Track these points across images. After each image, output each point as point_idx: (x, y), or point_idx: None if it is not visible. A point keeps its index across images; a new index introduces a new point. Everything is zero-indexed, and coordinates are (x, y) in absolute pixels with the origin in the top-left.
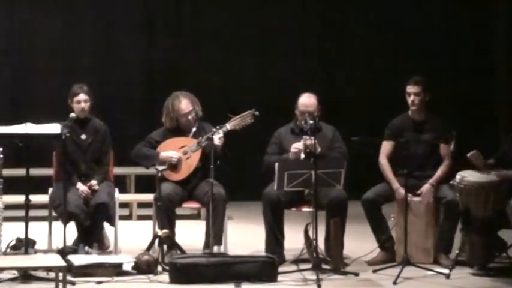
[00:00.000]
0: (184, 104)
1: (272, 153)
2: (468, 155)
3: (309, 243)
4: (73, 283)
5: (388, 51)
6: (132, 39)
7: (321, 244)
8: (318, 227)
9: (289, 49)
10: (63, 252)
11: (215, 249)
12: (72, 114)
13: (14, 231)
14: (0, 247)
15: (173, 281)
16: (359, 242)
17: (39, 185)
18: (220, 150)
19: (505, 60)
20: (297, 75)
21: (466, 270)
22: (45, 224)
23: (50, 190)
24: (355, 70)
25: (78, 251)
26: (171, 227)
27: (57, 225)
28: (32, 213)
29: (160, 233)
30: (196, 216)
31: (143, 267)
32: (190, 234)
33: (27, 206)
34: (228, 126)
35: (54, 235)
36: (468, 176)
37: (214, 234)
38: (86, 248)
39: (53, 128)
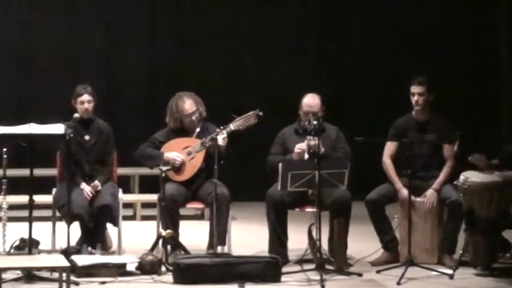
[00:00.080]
0: (188, 104)
1: (276, 154)
2: (469, 158)
3: (313, 243)
4: (77, 283)
5: (388, 51)
6: (136, 39)
7: (324, 244)
8: (322, 228)
9: (289, 49)
10: (67, 252)
11: (219, 249)
12: (76, 115)
13: (18, 231)
14: (4, 247)
15: (177, 281)
16: (363, 243)
17: (43, 185)
18: (224, 150)
19: (509, 60)
20: (297, 75)
21: (469, 270)
22: (49, 224)
23: (54, 190)
24: (355, 70)
25: (82, 251)
26: (175, 227)
27: (61, 225)
28: (36, 213)
29: (164, 233)
30: (200, 217)
31: (147, 268)
32: (194, 235)
33: (31, 206)
34: (232, 126)
35: (58, 235)
36: (472, 176)
37: (218, 234)
38: (89, 248)
39: (57, 129)
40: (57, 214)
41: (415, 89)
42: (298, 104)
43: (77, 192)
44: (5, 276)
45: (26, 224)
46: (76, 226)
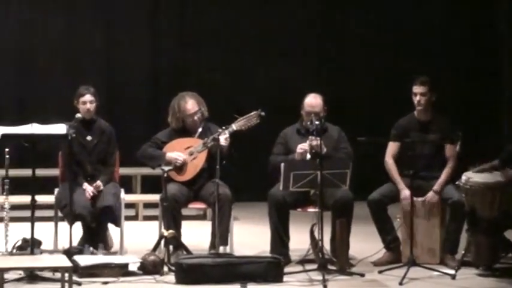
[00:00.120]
0: (190, 104)
1: (278, 154)
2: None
3: (315, 243)
4: (79, 283)
5: (388, 51)
6: (137, 39)
7: (326, 245)
8: (324, 228)
9: (289, 49)
10: (69, 252)
11: (221, 249)
12: (78, 115)
13: (20, 231)
14: (7, 247)
15: (179, 281)
16: (365, 243)
17: (45, 185)
18: (226, 150)
19: (509, 60)
20: (296, 75)
21: (471, 270)
22: (51, 224)
23: (56, 191)
24: (355, 70)
25: (84, 251)
26: (177, 228)
27: (63, 225)
28: (38, 213)
29: (166, 233)
30: (202, 217)
31: (149, 268)
32: (196, 235)
33: (33, 206)
34: (234, 126)
35: (60, 235)
36: (474, 176)
37: (220, 234)
38: (91, 249)
39: (59, 129)
40: (59, 214)
41: (417, 89)
42: (298, 104)
43: (79, 192)
44: (7, 276)
45: (28, 224)
46: (78, 226)
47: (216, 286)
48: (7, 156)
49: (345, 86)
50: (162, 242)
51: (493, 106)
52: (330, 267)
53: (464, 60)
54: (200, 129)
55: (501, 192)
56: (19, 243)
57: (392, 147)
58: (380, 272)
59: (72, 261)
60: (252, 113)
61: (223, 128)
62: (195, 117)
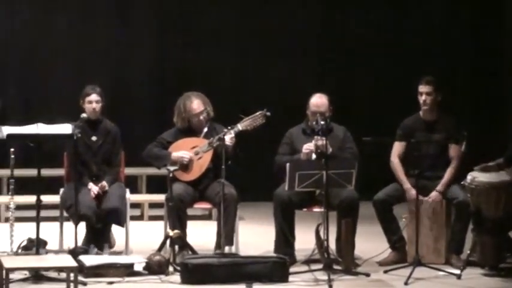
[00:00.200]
0: (196, 104)
1: (283, 154)
2: (475, 168)
3: (320, 243)
4: (84, 283)
5: (388, 51)
6: (143, 39)
7: (332, 244)
8: (329, 228)
9: (289, 49)
10: (74, 252)
11: (226, 249)
12: (84, 115)
13: (26, 231)
14: (12, 247)
15: (184, 281)
16: (370, 243)
17: (50, 185)
18: (232, 150)
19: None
20: (296, 75)
21: (477, 270)
22: (57, 224)
23: (61, 191)
24: (355, 70)
25: (89, 251)
26: (182, 228)
27: (69, 225)
28: (43, 213)
29: (171, 233)
30: (207, 217)
31: (154, 268)
32: (202, 235)
33: (39, 206)
34: (240, 126)
35: (66, 235)
36: (479, 176)
37: (226, 234)
38: (95, 249)
39: (65, 129)
40: (65, 214)
41: (422, 88)
42: (297, 104)
43: (84, 192)
44: (12, 276)
45: (34, 224)
46: (83, 226)
47: (222, 286)
48: (12, 156)
49: (344, 86)
50: (168, 242)
51: (494, 106)
52: (336, 267)
53: (464, 60)
54: (206, 129)
55: (506, 192)
56: (24, 243)
57: (397, 147)
58: (385, 271)
59: (78, 261)
60: (258, 113)
61: (229, 128)
62: (201, 117)
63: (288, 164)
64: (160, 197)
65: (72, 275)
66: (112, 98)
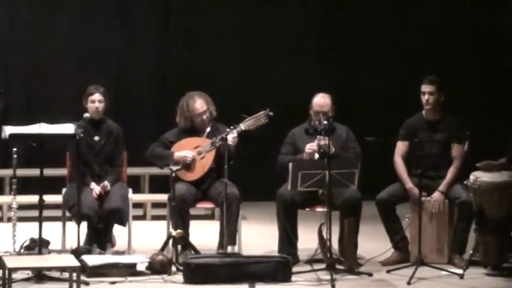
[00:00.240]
0: (199, 103)
1: (286, 153)
2: (478, 165)
3: (323, 243)
4: (87, 283)
5: (388, 51)
6: (145, 39)
7: (335, 244)
8: (332, 227)
9: (289, 49)
10: (77, 252)
11: (229, 249)
12: (86, 114)
13: (28, 231)
14: (14, 247)
15: (187, 281)
16: (373, 242)
17: (53, 185)
18: (234, 150)
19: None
20: (297, 75)
21: (480, 270)
22: (59, 224)
23: (64, 190)
24: (355, 70)
25: (92, 251)
26: (185, 227)
27: (71, 225)
28: (46, 213)
29: (174, 233)
30: (210, 217)
31: (157, 268)
32: (204, 235)
33: (41, 206)
34: (242, 126)
35: (68, 235)
36: (482, 176)
37: (228, 234)
38: (98, 250)
39: (67, 128)
40: (67, 214)
41: (425, 88)
42: (297, 104)
43: (86, 192)
44: (15, 276)
45: (36, 224)
46: (85, 226)
47: (224, 286)
48: (15, 156)
49: (344, 86)
50: (170, 241)
51: (494, 106)
52: (338, 266)
53: (464, 60)
54: (208, 129)
55: (509, 192)
56: (27, 243)
57: (401, 147)
58: (388, 271)
59: (80, 261)
60: (260, 113)
61: (232, 127)
62: (204, 117)
63: (290, 164)
64: (163, 197)
65: (74, 274)
66: (113, 98)
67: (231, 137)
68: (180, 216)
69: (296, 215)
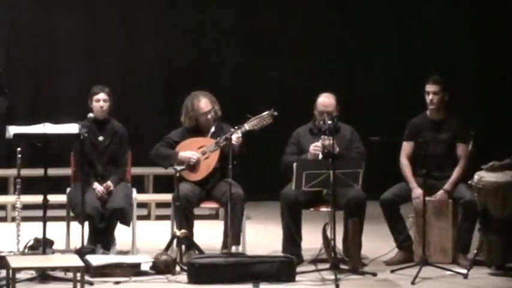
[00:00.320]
0: (204, 103)
1: (290, 153)
2: (483, 167)
3: (327, 243)
4: (91, 283)
5: (388, 51)
6: (149, 39)
7: (339, 244)
8: (336, 227)
9: (289, 49)
10: (81, 252)
11: (233, 249)
12: (91, 114)
13: (32, 231)
14: (18, 247)
15: (191, 281)
16: (377, 242)
17: (57, 185)
18: (238, 150)
19: None
20: (297, 75)
21: (484, 270)
22: (63, 224)
23: (68, 190)
24: (355, 70)
25: (96, 251)
26: (189, 227)
27: (75, 225)
28: (50, 213)
29: (178, 233)
30: (214, 216)
31: (161, 267)
32: (209, 234)
33: (45, 206)
34: (247, 126)
35: (72, 235)
36: (486, 176)
37: (233, 234)
38: (102, 250)
39: (71, 128)
40: (71, 214)
41: (429, 87)
42: (297, 104)
43: (89, 192)
44: (19, 276)
45: (40, 224)
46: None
47: (229, 286)
48: (19, 155)
49: (344, 86)
50: (175, 241)
51: (494, 106)
52: (342, 266)
53: (464, 60)
54: (213, 129)
55: None
56: (31, 242)
57: (406, 147)
58: (392, 271)
59: (84, 260)
60: (265, 113)
61: (236, 127)
62: (209, 116)
63: (295, 164)
64: (167, 197)
65: (78, 274)
66: (118, 98)
67: (235, 137)
68: (184, 216)
69: (300, 215)
